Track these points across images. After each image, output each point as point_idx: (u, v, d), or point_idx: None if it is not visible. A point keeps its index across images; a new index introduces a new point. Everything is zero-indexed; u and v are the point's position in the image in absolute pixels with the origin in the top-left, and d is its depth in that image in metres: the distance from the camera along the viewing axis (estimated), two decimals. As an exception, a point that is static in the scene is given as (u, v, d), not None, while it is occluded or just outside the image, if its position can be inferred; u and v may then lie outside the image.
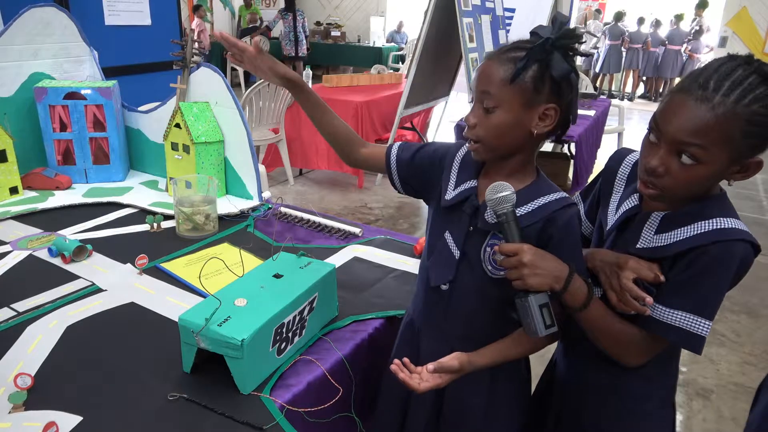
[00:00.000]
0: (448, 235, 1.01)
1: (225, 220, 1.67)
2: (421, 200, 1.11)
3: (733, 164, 0.84)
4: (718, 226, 0.86)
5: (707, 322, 0.86)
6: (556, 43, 0.87)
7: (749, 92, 0.78)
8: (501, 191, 0.88)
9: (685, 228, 0.88)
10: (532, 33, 0.90)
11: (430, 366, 0.94)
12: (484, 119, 0.92)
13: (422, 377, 0.94)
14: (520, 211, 0.94)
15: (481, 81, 0.92)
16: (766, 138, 0.82)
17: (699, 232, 0.87)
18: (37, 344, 1.06)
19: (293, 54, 9.11)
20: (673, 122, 0.83)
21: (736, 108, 0.78)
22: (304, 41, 9.15)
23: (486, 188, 0.98)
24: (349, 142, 1.13)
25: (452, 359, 0.95)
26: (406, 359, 0.95)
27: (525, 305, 0.88)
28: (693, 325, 0.87)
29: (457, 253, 1.00)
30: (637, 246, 0.93)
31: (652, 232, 0.92)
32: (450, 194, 1.02)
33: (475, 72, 0.95)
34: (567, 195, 0.96)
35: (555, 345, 1.12)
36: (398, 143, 1.12)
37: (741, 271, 0.87)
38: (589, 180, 1.22)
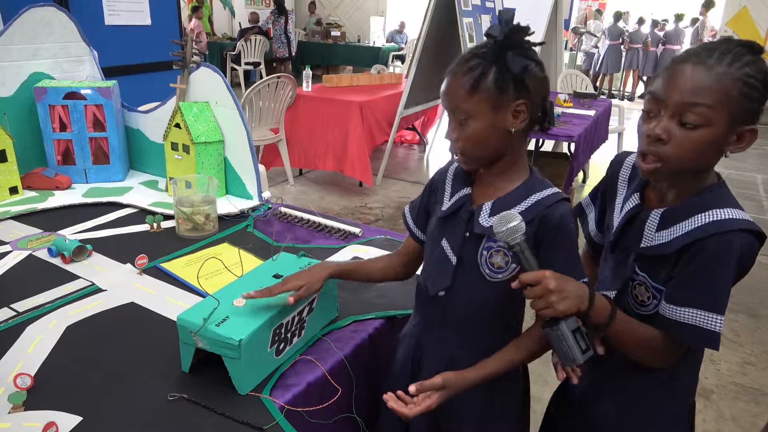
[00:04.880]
0: (444, 243, 1.02)
1: (225, 220, 1.67)
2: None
3: (731, 130, 0.84)
4: (715, 218, 0.86)
5: (718, 317, 0.85)
6: (505, 42, 0.88)
7: (738, 58, 0.82)
8: (510, 222, 0.87)
9: (684, 223, 0.88)
10: (487, 34, 0.91)
11: (412, 387, 0.92)
12: (461, 132, 0.94)
13: (413, 401, 0.92)
14: (514, 211, 0.93)
15: (447, 98, 0.94)
16: (761, 102, 0.84)
17: (696, 225, 0.87)
18: (37, 344, 1.06)
19: (286, 55, 9.38)
20: (675, 87, 0.85)
21: (731, 69, 0.82)
22: (294, 42, 9.61)
23: (480, 193, 1.00)
24: (391, 270, 1.16)
25: (435, 377, 0.93)
26: (400, 392, 0.93)
27: (558, 334, 0.85)
28: (703, 321, 0.86)
29: (454, 259, 1.00)
30: (641, 246, 0.93)
31: (654, 230, 0.92)
32: (446, 204, 1.03)
33: (442, 89, 0.95)
34: (559, 190, 0.96)
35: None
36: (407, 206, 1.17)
37: (745, 261, 0.86)
38: (585, 184, 1.23)
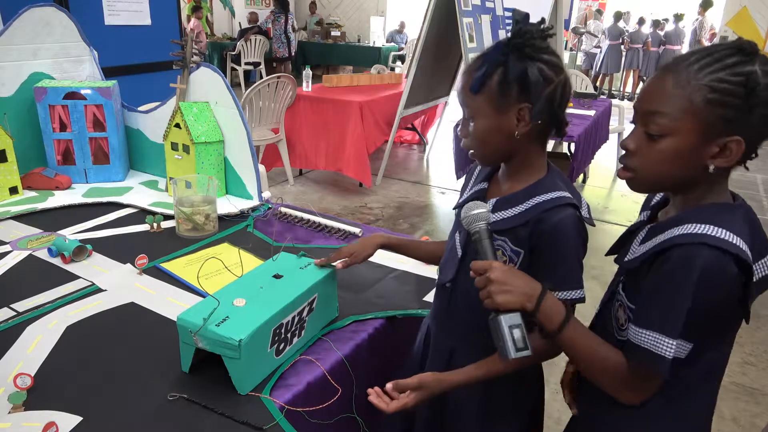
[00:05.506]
0: (457, 235, 1.05)
1: (225, 220, 1.67)
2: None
3: (708, 142, 0.76)
4: (687, 231, 0.76)
5: (669, 341, 0.75)
6: (510, 44, 0.88)
7: (718, 61, 0.74)
8: (472, 210, 0.89)
9: (662, 235, 0.80)
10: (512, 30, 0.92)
11: (389, 385, 0.93)
12: (468, 129, 0.96)
13: (398, 398, 0.94)
14: (511, 212, 0.94)
15: (459, 95, 0.97)
16: (739, 110, 0.74)
17: (667, 237, 0.78)
18: (37, 344, 1.06)
19: (286, 55, 9.37)
20: (642, 96, 0.82)
21: (699, 74, 0.75)
22: (294, 42, 9.58)
23: (494, 190, 1.01)
24: (436, 256, 1.19)
25: (412, 377, 0.94)
26: (386, 387, 0.94)
27: (494, 325, 0.83)
28: (654, 343, 0.77)
29: (460, 252, 1.02)
30: (625, 259, 0.88)
31: (638, 244, 0.86)
32: (463, 197, 1.06)
33: (457, 85, 0.99)
34: (565, 195, 0.93)
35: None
36: None
37: (711, 281, 0.73)
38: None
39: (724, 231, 0.74)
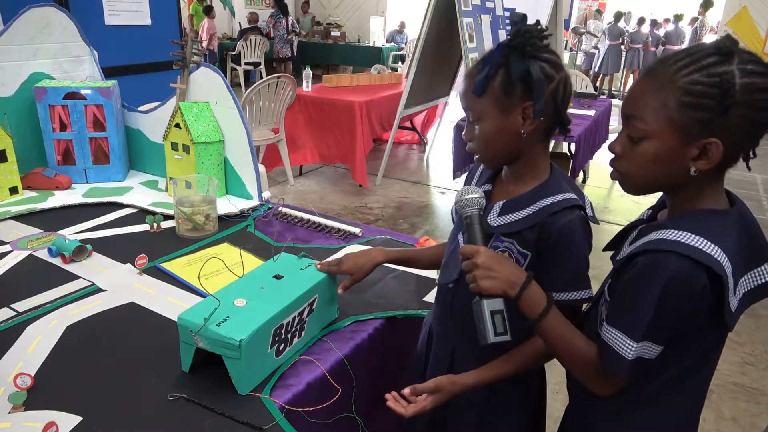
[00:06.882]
0: (460, 236, 1.05)
1: (225, 220, 1.67)
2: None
3: (686, 145, 0.75)
4: (662, 237, 0.76)
5: (631, 343, 0.77)
6: (511, 45, 0.89)
7: (695, 62, 0.74)
8: (467, 194, 0.91)
9: (645, 238, 0.80)
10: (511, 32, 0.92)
11: (407, 390, 0.94)
12: (474, 132, 0.96)
13: (415, 401, 0.94)
14: (518, 215, 0.95)
15: (461, 99, 0.98)
16: (714, 111, 0.72)
17: (644, 241, 0.79)
18: (37, 344, 1.06)
19: (289, 55, 9.42)
20: (624, 99, 0.82)
21: (674, 76, 0.74)
22: (294, 41, 9.66)
23: (499, 192, 1.01)
24: (437, 261, 1.19)
25: (429, 381, 0.95)
26: (403, 391, 0.95)
27: (477, 309, 0.86)
28: (617, 342, 0.78)
29: None
30: (617, 258, 0.89)
31: (628, 244, 0.86)
32: None
33: (460, 90, 0.98)
34: (571, 197, 0.93)
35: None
36: None
37: (678, 291, 0.73)
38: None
39: (701, 240, 0.74)
